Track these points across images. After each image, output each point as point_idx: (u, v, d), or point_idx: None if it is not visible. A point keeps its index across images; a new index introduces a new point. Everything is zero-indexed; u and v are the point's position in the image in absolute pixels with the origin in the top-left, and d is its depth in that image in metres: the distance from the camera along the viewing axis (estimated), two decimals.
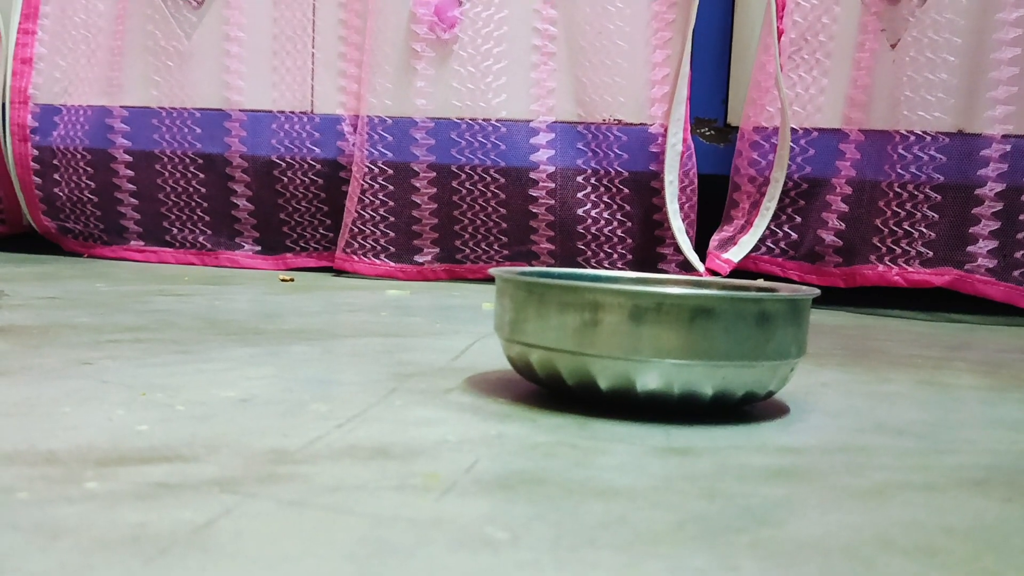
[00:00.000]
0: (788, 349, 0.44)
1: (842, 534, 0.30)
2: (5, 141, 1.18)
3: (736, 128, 1.03)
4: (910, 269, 0.95)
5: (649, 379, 0.42)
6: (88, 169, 1.18)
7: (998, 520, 0.32)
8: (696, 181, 1.03)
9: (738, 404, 0.44)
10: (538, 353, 0.44)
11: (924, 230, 0.95)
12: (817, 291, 0.47)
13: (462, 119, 1.06)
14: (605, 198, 1.04)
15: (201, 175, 1.15)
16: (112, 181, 1.17)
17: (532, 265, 1.05)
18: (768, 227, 0.99)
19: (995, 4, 0.92)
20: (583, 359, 0.42)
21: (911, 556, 0.28)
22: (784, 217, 1.00)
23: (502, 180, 1.05)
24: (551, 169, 1.04)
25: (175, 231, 1.17)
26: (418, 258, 1.09)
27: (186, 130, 1.15)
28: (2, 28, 1.18)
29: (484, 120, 1.06)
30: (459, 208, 1.07)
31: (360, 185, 1.08)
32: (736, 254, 0.98)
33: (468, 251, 1.08)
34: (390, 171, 1.08)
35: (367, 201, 1.08)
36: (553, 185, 1.04)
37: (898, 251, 0.96)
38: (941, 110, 0.94)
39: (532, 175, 1.05)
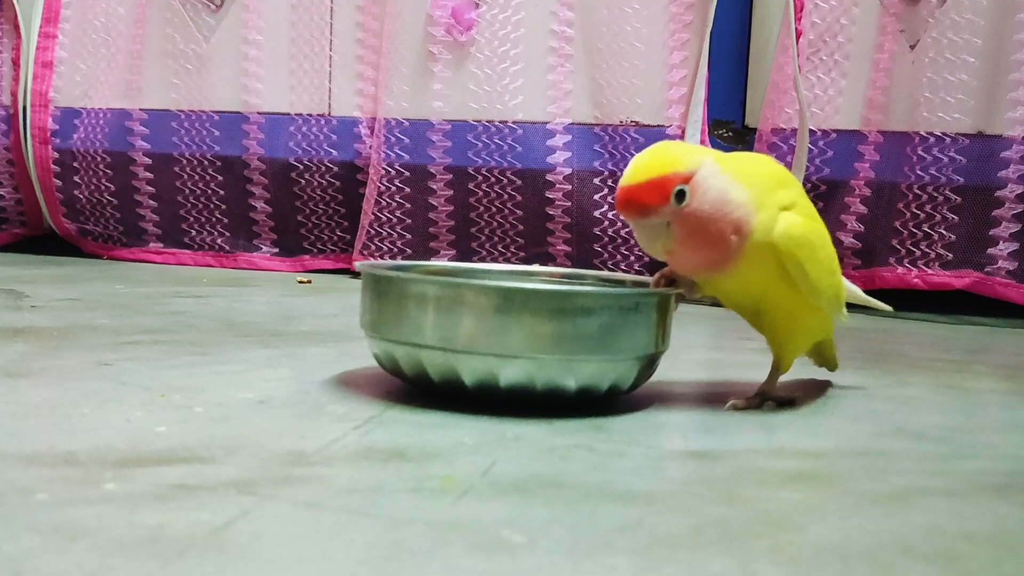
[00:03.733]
0: (652, 342, 0.44)
1: (862, 539, 0.29)
2: (26, 144, 1.19)
3: (754, 130, 1.03)
4: (930, 271, 0.95)
5: (512, 374, 0.42)
6: (108, 171, 1.18)
7: (1020, 525, 0.31)
8: None
9: (603, 397, 0.44)
10: (403, 349, 0.44)
11: (944, 232, 0.94)
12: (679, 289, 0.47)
13: (479, 121, 1.06)
14: None
15: (219, 177, 1.15)
16: (131, 183, 1.18)
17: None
18: None
19: (1016, 5, 0.91)
20: (448, 355, 0.42)
21: (931, 562, 0.28)
22: None
23: (518, 182, 1.05)
24: (568, 171, 1.04)
25: (193, 233, 1.18)
26: (435, 260, 1.09)
27: (204, 133, 1.16)
28: (23, 31, 1.18)
29: (501, 122, 1.06)
30: (475, 210, 1.07)
31: (377, 187, 1.09)
32: None
33: (484, 253, 1.08)
34: (407, 173, 1.08)
35: (384, 203, 1.08)
36: (570, 187, 1.04)
37: (917, 253, 0.95)
38: (961, 111, 0.93)
39: (548, 177, 1.04)
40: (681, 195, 0.41)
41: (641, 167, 0.42)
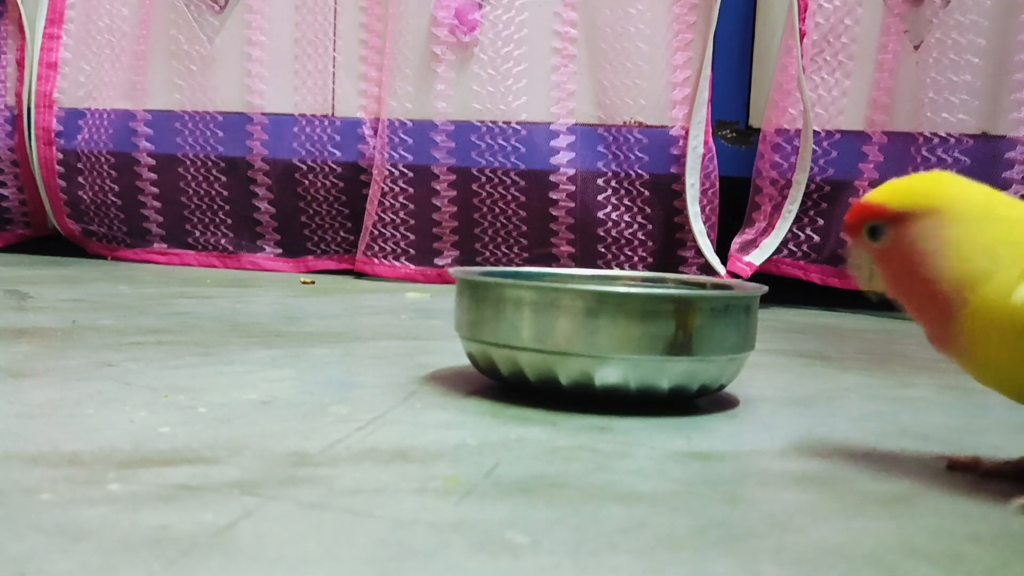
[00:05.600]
0: (741, 344, 0.46)
1: (866, 540, 0.29)
2: (30, 145, 1.19)
3: (758, 130, 1.03)
4: None
5: (607, 375, 0.43)
6: (112, 172, 1.19)
7: None
8: (717, 183, 1.03)
9: (693, 397, 0.46)
10: (499, 351, 0.45)
11: None
12: (765, 288, 0.48)
13: (482, 122, 1.06)
14: (626, 200, 1.04)
15: (223, 178, 1.16)
16: (135, 184, 1.18)
17: (552, 267, 1.05)
18: (790, 230, 0.99)
19: (1020, 5, 0.91)
20: (544, 356, 0.44)
21: (936, 563, 0.28)
22: (806, 220, 0.99)
23: (522, 183, 1.05)
24: (571, 171, 1.04)
25: (197, 234, 1.18)
26: (438, 260, 1.09)
27: (208, 134, 1.16)
28: (28, 32, 1.19)
29: (504, 123, 1.06)
30: (479, 211, 1.07)
31: (380, 188, 1.09)
32: (758, 257, 0.98)
33: (488, 253, 1.08)
34: (410, 174, 1.08)
35: (387, 204, 1.08)
36: (573, 187, 1.04)
37: None
38: (965, 112, 0.93)
39: (552, 177, 1.04)
40: (873, 231, 0.35)
41: (877, 189, 0.36)
